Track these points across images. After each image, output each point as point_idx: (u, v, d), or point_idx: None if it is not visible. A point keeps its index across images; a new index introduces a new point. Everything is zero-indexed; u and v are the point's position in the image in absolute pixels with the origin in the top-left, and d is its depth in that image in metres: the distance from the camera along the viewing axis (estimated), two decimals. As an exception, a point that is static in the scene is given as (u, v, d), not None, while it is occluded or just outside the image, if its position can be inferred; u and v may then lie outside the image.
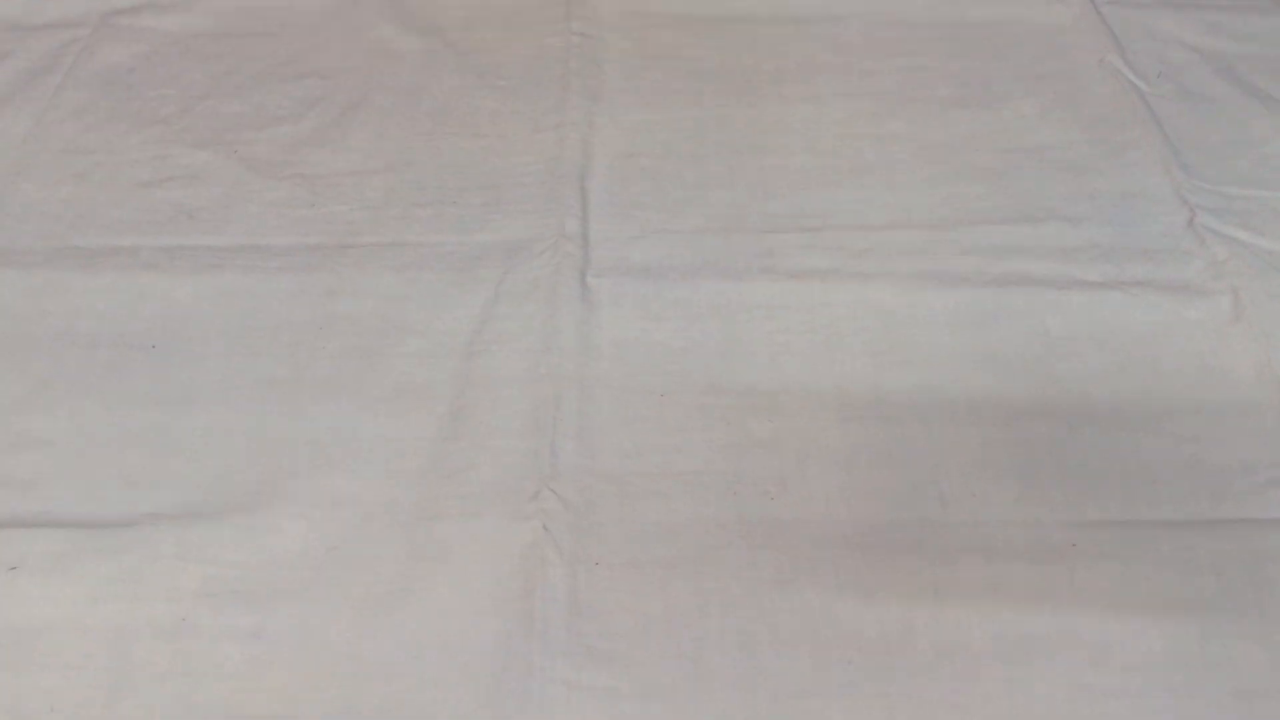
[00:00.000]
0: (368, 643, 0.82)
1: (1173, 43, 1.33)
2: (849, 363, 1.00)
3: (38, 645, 0.81)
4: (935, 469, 0.92)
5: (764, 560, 0.86)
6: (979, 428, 0.95)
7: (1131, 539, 0.87)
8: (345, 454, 0.93)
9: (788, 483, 0.91)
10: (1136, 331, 1.02)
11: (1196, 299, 1.04)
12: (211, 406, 0.96)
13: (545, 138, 1.22)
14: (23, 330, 1.02)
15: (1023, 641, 0.82)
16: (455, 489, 0.90)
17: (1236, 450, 0.93)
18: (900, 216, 1.13)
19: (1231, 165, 1.18)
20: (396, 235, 1.11)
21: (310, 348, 1.01)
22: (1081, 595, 0.84)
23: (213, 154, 1.19)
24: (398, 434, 0.94)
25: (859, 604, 0.84)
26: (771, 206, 1.14)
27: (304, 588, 0.85)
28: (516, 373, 0.99)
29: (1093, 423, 0.95)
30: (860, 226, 1.11)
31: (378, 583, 0.85)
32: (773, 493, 0.90)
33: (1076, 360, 1.00)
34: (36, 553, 0.86)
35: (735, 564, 0.86)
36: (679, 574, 0.85)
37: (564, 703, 0.79)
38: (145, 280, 1.06)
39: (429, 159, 1.19)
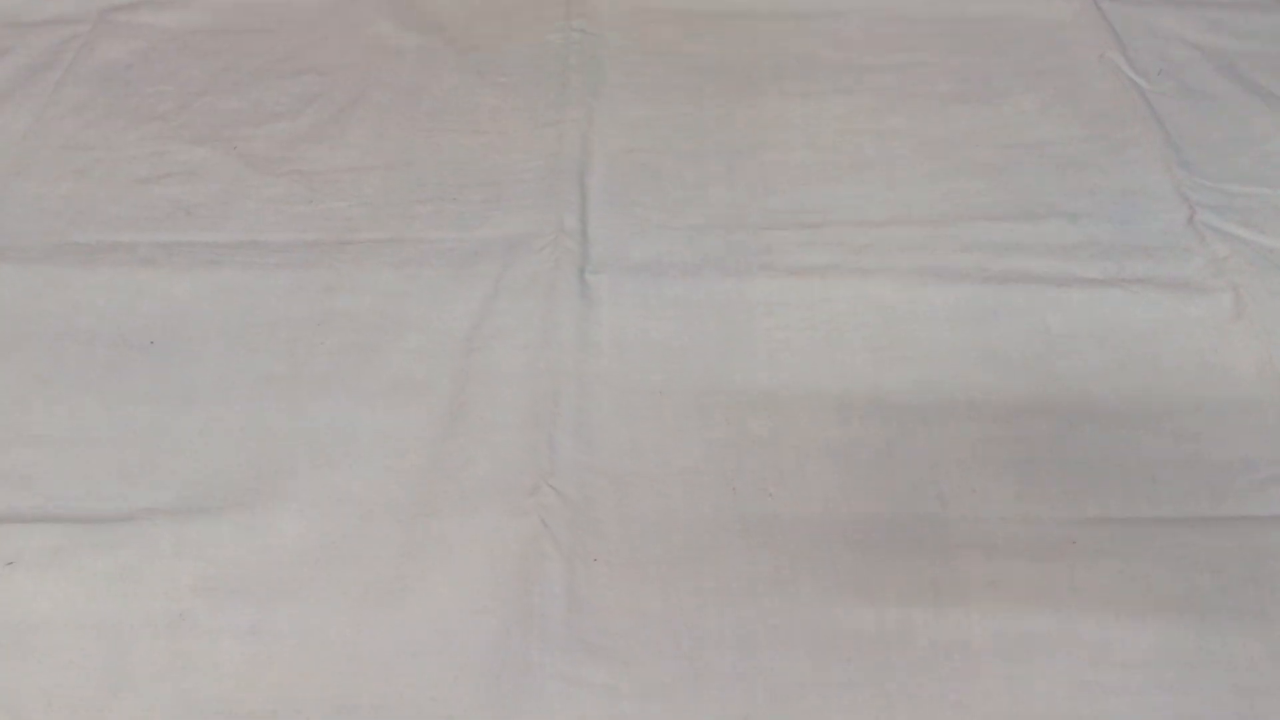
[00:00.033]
0: (366, 639, 0.82)
1: (1173, 39, 1.33)
2: (848, 360, 1.00)
3: (35, 641, 0.81)
4: (935, 466, 0.92)
5: (763, 557, 0.86)
6: (979, 425, 0.95)
7: (1131, 536, 0.87)
8: (343, 450, 0.93)
9: (786, 480, 0.91)
10: (1137, 329, 1.02)
11: (1197, 296, 1.04)
12: (210, 403, 0.96)
13: (545, 134, 1.21)
14: (21, 326, 1.02)
15: (1022, 639, 0.82)
16: (454, 485, 0.90)
17: (1237, 448, 0.93)
18: (900, 212, 1.12)
19: (1232, 162, 1.18)
20: (395, 231, 1.11)
21: (309, 344, 1.01)
22: (1081, 592, 0.84)
23: (211, 150, 1.19)
24: (396, 430, 0.94)
25: (858, 601, 0.84)
26: (771, 203, 1.14)
27: (302, 584, 0.85)
28: (515, 369, 0.98)
29: (1093, 420, 0.95)
30: (860, 222, 1.11)
31: (376, 579, 0.85)
32: (771, 490, 0.90)
33: (1076, 357, 1.00)
34: (34, 548, 0.86)
35: (734, 560, 0.86)
36: (677, 570, 0.85)
37: (562, 699, 0.79)
38: (144, 276, 1.06)
39: (428, 155, 1.19)
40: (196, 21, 1.36)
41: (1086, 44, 1.32)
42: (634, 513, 0.89)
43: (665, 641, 0.82)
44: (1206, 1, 1.38)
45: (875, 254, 1.08)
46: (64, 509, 0.89)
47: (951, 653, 0.81)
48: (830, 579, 0.85)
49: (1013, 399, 0.96)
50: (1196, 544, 0.87)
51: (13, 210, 1.12)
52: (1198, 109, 1.24)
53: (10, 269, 1.06)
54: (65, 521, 0.88)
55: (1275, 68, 1.29)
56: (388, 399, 0.97)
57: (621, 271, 1.07)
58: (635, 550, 0.87)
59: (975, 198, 1.14)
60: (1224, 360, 0.99)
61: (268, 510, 0.89)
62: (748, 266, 1.07)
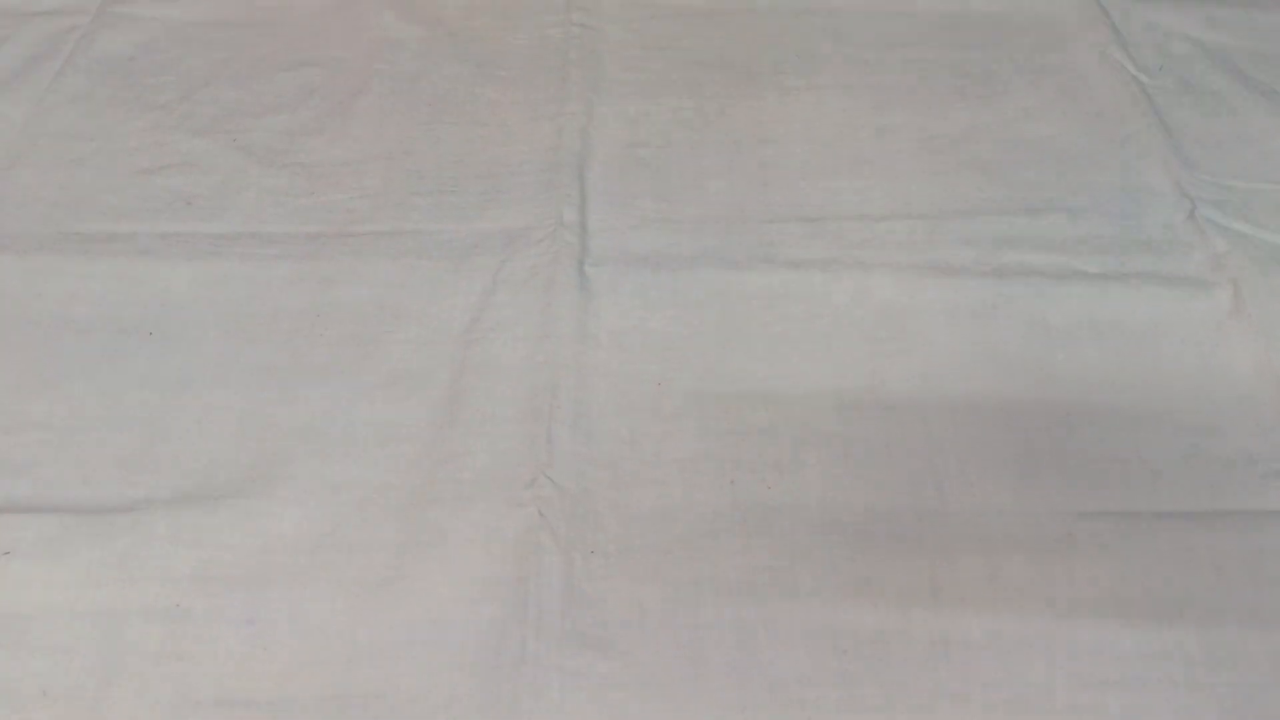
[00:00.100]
0: (362, 628, 0.82)
1: (1174, 36, 1.33)
2: (847, 354, 0.99)
3: (31, 629, 0.81)
4: (933, 459, 0.92)
5: (760, 549, 0.86)
6: (977, 418, 0.94)
7: (1130, 531, 0.87)
8: (341, 440, 0.93)
9: (785, 473, 0.91)
10: (1136, 324, 1.02)
11: (1197, 292, 1.04)
12: (208, 393, 0.96)
13: (544, 127, 1.21)
14: (19, 315, 1.02)
15: (1020, 633, 0.81)
16: (451, 475, 0.90)
17: (1237, 443, 0.93)
18: (900, 207, 1.12)
19: (1233, 158, 1.17)
20: (394, 223, 1.11)
21: (307, 335, 1.01)
22: (1080, 587, 0.84)
23: (211, 142, 1.19)
24: (394, 421, 0.94)
25: (856, 595, 0.84)
26: (771, 197, 1.13)
27: (298, 573, 0.84)
28: (514, 361, 0.98)
29: (1092, 415, 0.95)
30: (860, 217, 1.11)
31: (372, 568, 0.85)
32: (769, 481, 0.90)
33: (1076, 352, 0.99)
34: (30, 537, 0.86)
35: (731, 553, 0.86)
36: (675, 562, 0.85)
37: (558, 690, 0.79)
38: (143, 266, 1.06)
39: (428, 148, 1.19)
40: (197, 13, 1.36)
41: (1087, 40, 1.32)
42: (632, 505, 0.89)
43: (662, 633, 0.82)
44: (1207, -1, 1.38)
45: (875, 248, 1.08)
46: (61, 498, 0.89)
47: (950, 647, 0.81)
48: (828, 572, 0.85)
49: (1012, 394, 0.96)
50: (1196, 539, 0.86)
51: (11, 199, 1.12)
52: (1198, 105, 1.24)
53: (8, 258, 1.06)
54: (62, 511, 0.87)
55: (1276, 64, 1.29)
56: (386, 390, 0.96)
57: (620, 264, 1.06)
58: (633, 542, 0.87)
59: (975, 193, 1.14)
60: (1224, 356, 0.99)
61: (265, 500, 0.88)
62: (747, 260, 1.07)
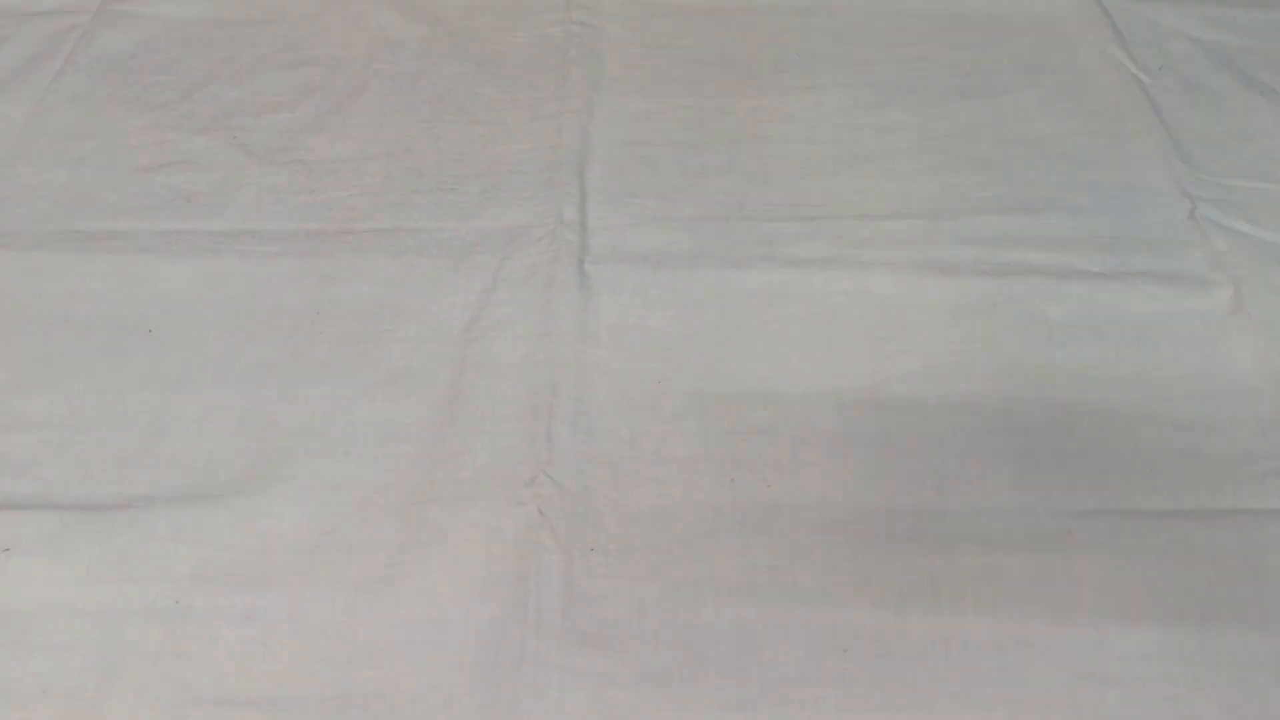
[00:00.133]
0: (361, 627, 0.82)
1: (1174, 35, 1.33)
2: (847, 351, 0.99)
3: (30, 627, 0.81)
4: (933, 458, 0.92)
5: (759, 547, 0.86)
6: (977, 416, 0.94)
7: (1129, 529, 0.87)
8: (341, 438, 0.93)
9: (784, 471, 0.91)
10: (1136, 322, 1.02)
11: (1197, 290, 1.04)
12: (207, 390, 0.96)
13: (544, 125, 1.21)
14: (19, 312, 1.02)
15: (1019, 630, 0.81)
16: (451, 474, 0.90)
17: (1235, 440, 0.93)
18: (900, 206, 1.12)
19: (1233, 157, 1.17)
20: (394, 221, 1.11)
21: (307, 333, 1.01)
22: (1079, 585, 0.84)
23: (211, 140, 1.19)
24: (394, 419, 0.94)
25: (855, 591, 0.84)
26: (771, 195, 1.13)
27: (298, 571, 0.84)
28: (513, 359, 0.98)
29: (1091, 412, 0.95)
30: (860, 215, 1.11)
31: (372, 567, 0.85)
32: (769, 480, 0.90)
33: (1076, 351, 0.99)
34: (30, 535, 0.86)
35: (731, 550, 0.86)
36: (674, 560, 0.85)
37: (557, 688, 0.79)
38: (142, 264, 1.06)
39: (428, 146, 1.19)
40: (197, 12, 1.36)
41: (1087, 39, 1.32)
42: (631, 503, 0.89)
43: (662, 632, 0.82)
44: (1207, -3, 1.38)
45: (875, 247, 1.08)
46: (60, 495, 0.89)
47: (948, 644, 0.81)
48: (827, 570, 0.85)
49: (1011, 391, 0.96)
50: (1195, 537, 0.86)
51: (11, 197, 1.12)
52: (1198, 104, 1.24)
53: (7, 255, 1.06)
54: (62, 508, 0.87)
55: (1276, 64, 1.29)
56: (386, 388, 0.96)
57: (620, 263, 1.06)
58: (632, 540, 0.87)
59: (975, 191, 1.14)
60: (1223, 354, 0.99)
61: (265, 498, 0.88)
62: (747, 258, 1.07)
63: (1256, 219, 1.11)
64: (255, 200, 1.13)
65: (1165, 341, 1.00)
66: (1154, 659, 0.80)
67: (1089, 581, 0.84)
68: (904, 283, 1.04)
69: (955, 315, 1.02)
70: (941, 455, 0.92)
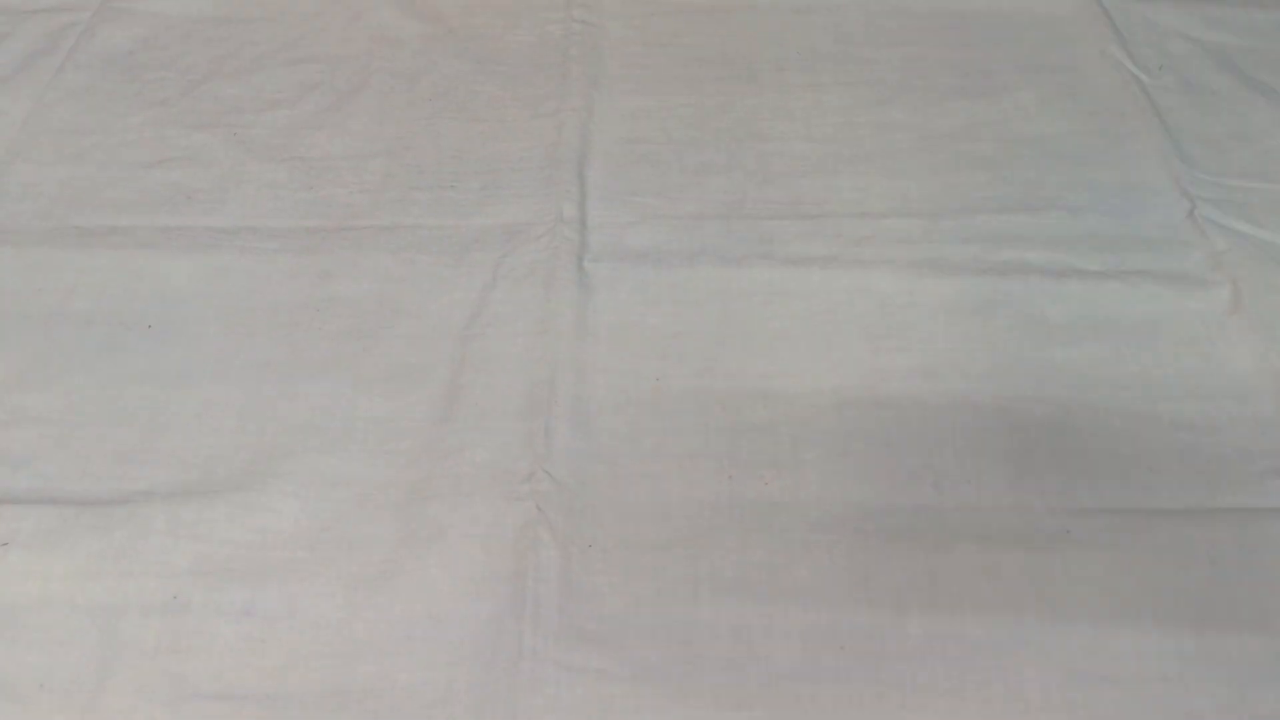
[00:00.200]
0: (359, 622, 0.82)
1: (1174, 35, 1.33)
2: (846, 349, 0.99)
3: (28, 621, 0.81)
4: (931, 455, 0.92)
5: (757, 544, 0.86)
6: (975, 414, 0.94)
7: (1127, 527, 0.87)
8: (339, 434, 0.93)
9: (782, 467, 0.91)
10: (1135, 321, 1.02)
11: (1196, 289, 1.04)
12: (207, 386, 0.96)
13: (544, 123, 1.21)
14: (18, 308, 1.02)
15: (1016, 628, 0.81)
16: (449, 470, 0.90)
17: (1234, 440, 0.93)
18: (899, 204, 1.12)
19: (1232, 157, 1.17)
20: (394, 218, 1.11)
21: (306, 329, 1.01)
22: (1076, 583, 0.84)
23: (212, 136, 1.19)
24: (392, 415, 0.94)
25: (853, 589, 0.84)
26: (770, 193, 1.13)
27: (296, 567, 0.84)
28: (512, 355, 0.98)
29: (1089, 411, 0.95)
30: (859, 214, 1.11)
31: (370, 562, 0.85)
32: (767, 477, 0.90)
33: (1074, 349, 0.99)
34: (29, 529, 0.86)
35: (728, 547, 0.86)
36: (672, 557, 0.85)
37: (554, 684, 0.79)
38: (142, 260, 1.06)
39: (428, 143, 1.19)
40: (199, 8, 1.36)
41: (1087, 39, 1.32)
42: (629, 499, 0.89)
43: (659, 628, 0.82)
44: (1207, -3, 1.38)
45: (874, 245, 1.08)
46: (59, 490, 0.89)
47: (946, 642, 0.81)
48: (825, 567, 0.85)
49: (1010, 390, 0.96)
50: (1193, 536, 0.86)
51: (11, 194, 1.12)
52: (1198, 104, 1.24)
53: (7, 251, 1.06)
54: (60, 503, 0.88)
55: (1275, 64, 1.28)
56: (385, 385, 0.97)
57: (620, 260, 1.06)
58: (630, 537, 0.87)
59: (975, 190, 1.14)
60: (1222, 353, 0.99)
61: (263, 493, 0.89)
62: (746, 256, 1.07)
63: (1256, 219, 1.11)
64: (255, 196, 1.13)
65: (1164, 341, 1.00)
66: (1151, 657, 0.80)
67: (1087, 580, 0.84)
68: (903, 281, 1.04)
69: (954, 314, 1.02)
70: (940, 454, 0.92)
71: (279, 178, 1.15)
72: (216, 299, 1.03)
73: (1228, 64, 1.29)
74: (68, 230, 1.09)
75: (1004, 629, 0.82)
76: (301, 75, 1.27)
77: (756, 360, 0.98)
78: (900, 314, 1.02)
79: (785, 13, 1.36)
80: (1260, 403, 0.95)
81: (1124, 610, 0.82)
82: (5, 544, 0.85)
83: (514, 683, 0.79)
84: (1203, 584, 0.84)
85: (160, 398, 0.95)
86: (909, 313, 1.02)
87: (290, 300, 1.03)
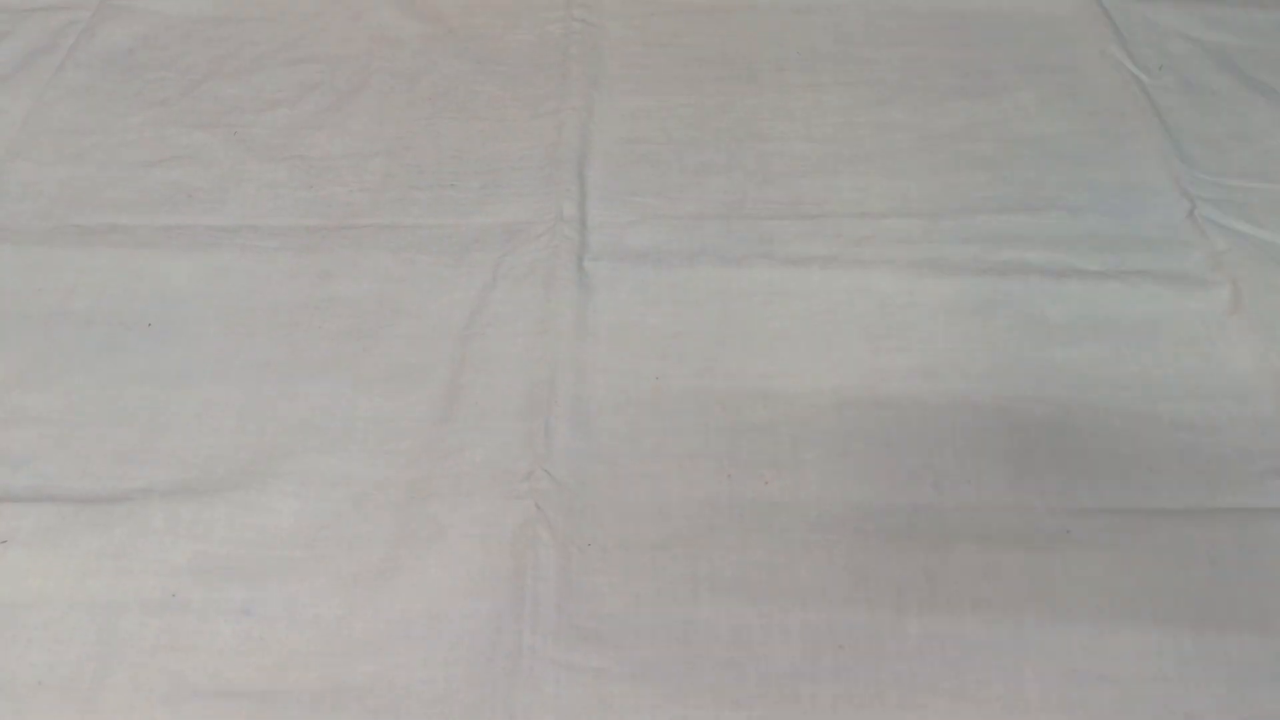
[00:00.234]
0: (358, 621, 0.82)
1: (1174, 35, 1.33)
2: (846, 349, 0.99)
3: (27, 620, 0.81)
4: (930, 455, 0.91)
5: (756, 543, 0.86)
6: (975, 414, 0.94)
7: (1127, 527, 0.87)
8: (339, 434, 0.93)
9: (782, 467, 0.91)
10: (1135, 321, 1.01)
11: (1196, 289, 1.04)
12: (206, 385, 0.96)
13: (544, 123, 1.21)
14: (18, 307, 1.02)
15: (1016, 628, 0.81)
16: (449, 469, 0.90)
17: (1233, 440, 0.93)
18: (899, 204, 1.12)
19: (1232, 157, 1.17)
20: (394, 218, 1.11)
21: (306, 328, 1.01)
22: (1076, 583, 0.84)
23: (212, 135, 1.19)
24: (392, 414, 0.94)
25: (852, 589, 0.84)
26: (770, 193, 1.13)
27: (295, 565, 0.84)
28: (512, 355, 0.98)
29: (1089, 411, 0.95)
30: (859, 214, 1.11)
31: (369, 561, 0.85)
32: (767, 477, 0.90)
33: (1074, 349, 0.99)
34: (28, 527, 0.86)
35: (728, 547, 0.86)
36: (671, 556, 0.85)
37: (553, 682, 0.79)
38: (142, 259, 1.06)
39: (428, 143, 1.19)
40: (199, 8, 1.36)
41: (1087, 39, 1.32)
42: (628, 499, 0.89)
43: (658, 627, 0.82)
44: (1207, -3, 1.38)
45: (874, 245, 1.08)
46: (59, 489, 0.89)
47: (945, 642, 0.81)
48: (824, 567, 0.85)
49: (1010, 389, 0.96)
50: (1192, 536, 0.86)
51: (11, 193, 1.12)
52: (1198, 104, 1.24)
53: (8, 251, 1.06)
54: (60, 501, 0.88)
55: (1275, 64, 1.28)
56: (384, 384, 0.97)
57: (620, 259, 1.06)
58: (629, 536, 0.87)
59: (975, 190, 1.14)
60: (1222, 353, 0.99)
61: (262, 492, 0.89)
62: (746, 256, 1.07)
63: (1256, 219, 1.11)
64: (255, 196, 1.13)
65: (1164, 341, 1.00)
66: (1151, 657, 0.80)
67: (1086, 580, 0.84)
68: (903, 281, 1.04)
69: (954, 314, 1.02)
70: (940, 453, 0.92)
71: (279, 177, 1.15)
72: (216, 298, 1.03)
73: (1228, 64, 1.29)
74: (68, 230, 1.09)
75: (1004, 629, 0.81)
76: (301, 75, 1.27)
77: (756, 360, 0.98)
78: (900, 314, 1.02)
79: (785, 13, 1.36)
80: (1260, 403, 0.95)
81: (1124, 610, 0.82)
82: (4, 542, 0.85)
83: (513, 681, 0.79)
84: (1202, 584, 0.84)
85: (160, 397, 0.95)
86: (909, 313, 1.02)
87: (290, 300, 1.03)
